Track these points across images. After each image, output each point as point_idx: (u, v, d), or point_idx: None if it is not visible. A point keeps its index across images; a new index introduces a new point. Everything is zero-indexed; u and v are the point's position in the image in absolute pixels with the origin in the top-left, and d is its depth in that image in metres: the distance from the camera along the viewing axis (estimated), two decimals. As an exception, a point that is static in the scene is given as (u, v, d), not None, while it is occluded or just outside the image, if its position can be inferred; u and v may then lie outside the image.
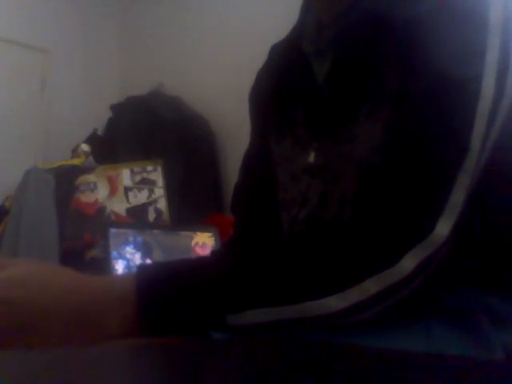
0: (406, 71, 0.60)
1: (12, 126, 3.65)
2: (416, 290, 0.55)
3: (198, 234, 2.30)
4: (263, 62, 0.87)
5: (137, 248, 2.19)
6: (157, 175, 2.97)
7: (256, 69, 0.87)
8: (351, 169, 0.65)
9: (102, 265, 2.27)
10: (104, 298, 0.56)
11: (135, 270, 0.58)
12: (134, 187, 2.94)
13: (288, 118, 0.76)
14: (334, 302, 0.54)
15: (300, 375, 0.41)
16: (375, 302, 0.54)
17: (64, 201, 2.88)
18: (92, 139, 3.61)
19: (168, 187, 2.97)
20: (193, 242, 2.28)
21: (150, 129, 3.47)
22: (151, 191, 2.95)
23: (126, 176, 2.94)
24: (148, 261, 2.21)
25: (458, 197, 0.55)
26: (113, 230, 2.19)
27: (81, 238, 2.82)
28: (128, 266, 2.14)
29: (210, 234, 2.30)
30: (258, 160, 0.84)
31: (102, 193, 2.90)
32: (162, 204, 2.94)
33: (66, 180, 2.95)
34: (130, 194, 2.93)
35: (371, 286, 0.54)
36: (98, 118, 3.77)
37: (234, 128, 3.16)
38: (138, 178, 2.95)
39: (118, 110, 3.70)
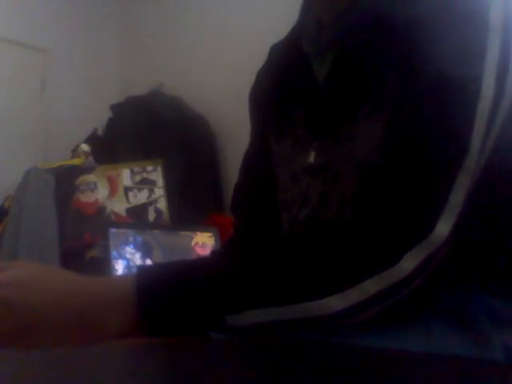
0: (406, 71, 0.60)
1: (12, 126, 3.65)
2: (416, 290, 0.55)
3: (198, 233, 2.30)
4: (263, 62, 0.87)
5: (137, 248, 2.19)
6: (157, 175, 2.96)
7: (256, 69, 0.87)
8: (351, 169, 0.65)
9: (102, 265, 2.27)
10: (104, 299, 0.56)
11: (135, 271, 0.58)
12: (134, 187, 2.94)
13: (288, 118, 0.76)
14: (334, 302, 0.54)
15: (300, 375, 0.41)
16: (375, 302, 0.54)
17: (64, 201, 2.88)
18: (92, 139, 3.60)
19: (168, 187, 2.97)
20: (193, 242, 2.28)
21: (150, 129, 3.47)
22: (151, 191, 2.95)
23: (126, 176, 2.94)
24: (148, 261, 2.21)
25: (457, 197, 0.55)
26: (113, 230, 2.19)
27: (81, 238, 2.82)
28: (128, 266, 2.14)
29: (210, 234, 2.30)
30: (257, 160, 0.84)
31: (101, 193, 2.90)
32: (162, 204, 2.93)
33: (66, 180, 2.95)
34: (130, 194, 2.93)
35: (371, 286, 0.54)
36: (98, 117, 3.77)
37: (233, 128, 3.16)
38: (138, 177, 2.95)
39: (118, 110, 3.70)
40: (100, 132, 3.80)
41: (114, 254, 2.14)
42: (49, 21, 3.89)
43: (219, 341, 0.56)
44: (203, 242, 2.28)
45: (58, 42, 3.92)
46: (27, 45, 3.78)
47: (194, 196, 3.31)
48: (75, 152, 3.39)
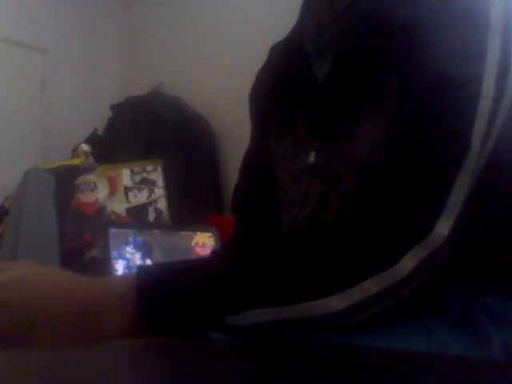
0: (406, 71, 0.60)
1: (12, 126, 3.65)
2: (416, 290, 0.55)
3: (198, 233, 2.30)
4: (263, 62, 0.87)
5: (137, 248, 2.19)
6: (157, 175, 2.97)
7: (256, 69, 0.87)
8: (351, 169, 0.65)
9: (102, 265, 2.27)
10: (104, 299, 0.56)
11: (135, 271, 0.58)
12: (134, 187, 2.94)
13: (288, 118, 0.76)
14: (335, 302, 0.54)
15: (300, 375, 0.41)
16: (375, 301, 0.54)
17: (64, 201, 2.88)
18: (92, 139, 3.61)
19: (168, 187, 2.97)
20: (193, 242, 2.28)
21: (150, 129, 3.47)
22: (151, 191, 2.95)
23: (126, 176, 2.94)
24: (148, 261, 2.21)
25: (457, 197, 0.55)
26: (113, 230, 2.19)
27: (81, 238, 2.82)
28: (128, 266, 2.14)
29: (210, 234, 2.30)
30: (258, 160, 0.84)
31: (101, 193, 2.90)
32: (162, 204, 2.94)
33: (66, 180, 2.95)
34: (130, 194, 2.93)
35: (371, 286, 0.54)
36: (98, 118, 3.78)
37: (234, 128, 3.16)
38: (138, 177, 2.95)
39: (118, 110, 3.70)
40: (100, 132, 3.80)
41: (114, 254, 2.14)
42: (49, 21, 3.89)
43: (219, 341, 0.56)
44: (203, 242, 2.28)
45: (57, 42, 3.92)
46: (27, 45, 3.78)
47: (194, 196, 3.31)
48: (75, 152, 3.39)
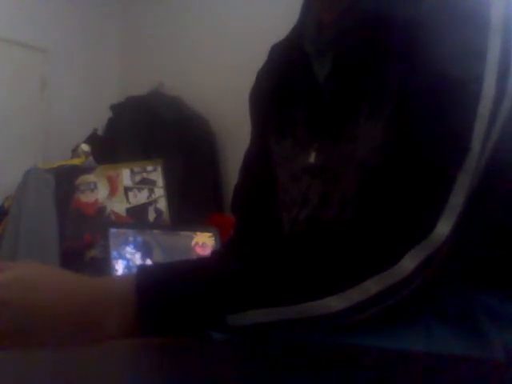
0: (406, 71, 0.60)
1: (12, 126, 3.65)
2: (416, 290, 0.55)
3: (198, 233, 2.30)
4: (263, 62, 0.87)
5: (137, 248, 2.19)
6: (157, 175, 2.96)
7: (256, 69, 0.87)
8: (352, 169, 0.65)
9: (102, 265, 2.27)
10: (104, 299, 0.56)
11: (135, 271, 0.58)
12: (134, 187, 2.94)
13: (288, 118, 0.76)
14: (335, 303, 0.54)
15: (300, 375, 0.41)
16: (375, 302, 0.54)
17: (64, 201, 2.88)
18: (92, 139, 3.60)
19: (168, 187, 2.97)
20: (193, 242, 2.28)
21: (150, 129, 3.47)
22: (151, 191, 2.95)
23: (126, 176, 2.94)
24: (148, 261, 2.21)
25: (458, 197, 0.55)
26: (113, 230, 2.19)
27: (81, 238, 2.82)
28: (128, 266, 2.14)
29: (210, 234, 2.30)
30: (258, 160, 0.84)
31: (102, 193, 2.90)
32: (162, 204, 2.93)
33: (66, 180, 2.95)
34: (130, 194, 2.93)
35: (372, 286, 0.54)
36: (98, 118, 3.77)
37: (234, 128, 3.16)
38: (138, 177, 2.95)
39: (118, 110, 3.70)
40: (100, 132, 3.80)
41: (114, 253, 2.14)
42: (49, 21, 3.89)
43: (219, 341, 0.56)
44: (203, 242, 2.28)
45: (58, 42, 3.92)
46: (27, 45, 3.78)
47: (194, 196, 3.31)
48: (75, 152, 3.39)
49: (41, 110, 3.84)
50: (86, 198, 2.88)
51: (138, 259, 2.17)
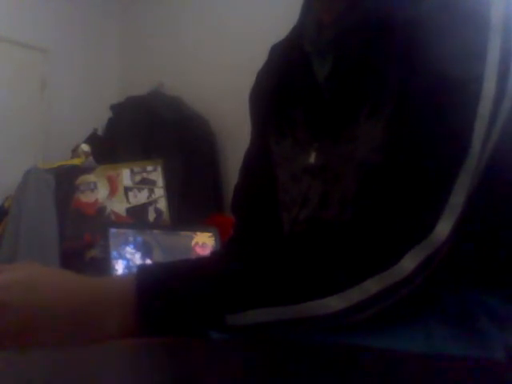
0: (406, 71, 0.60)
1: (12, 125, 3.65)
2: (416, 290, 0.55)
3: (198, 234, 2.30)
4: (263, 62, 0.87)
5: (137, 248, 2.19)
6: (157, 175, 2.96)
7: (256, 69, 0.87)
8: (352, 169, 0.65)
9: (102, 265, 2.27)
10: (104, 299, 0.56)
11: (135, 271, 0.58)
12: (134, 187, 2.94)
13: (288, 118, 0.76)
14: (335, 302, 0.54)
15: (300, 375, 0.41)
16: (375, 301, 0.54)
17: (64, 201, 2.88)
18: (92, 139, 3.61)
19: (168, 187, 2.97)
20: (193, 242, 2.28)
21: (150, 129, 3.47)
22: (151, 191, 2.95)
23: (126, 176, 2.94)
24: (148, 261, 2.21)
25: (458, 197, 0.55)
26: (113, 230, 2.19)
27: (81, 238, 2.82)
28: (128, 266, 2.14)
29: (210, 234, 2.30)
30: (258, 160, 0.84)
31: (102, 193, 2.90)
32: (162, 204, 2.93)
33: (66, 180, 2.95)
34: (130, 194, 2.93)
35: (372, 286, 0.54)
36: (98, 118, 3.78)
37: (234, 128, 3.16)
38: (138, 178, 2.95)
39: (118, 110, 3.70)
40: (100, 132, 3.80)
41: (114, 253, 2.14)
42: (49, 21, 3.89)
43: (219, 341, 0.56)
44: (203, 242, 2.28)
45: (58, 42, 3.92)
46: (27, 45, 3.78)
47: (194, 196, 3.31)
48: (75, 152, 3.39)
49: (41, 110, 3.84)
50: (86, 198, 2.88)
51: (138, 259, 2.17)
